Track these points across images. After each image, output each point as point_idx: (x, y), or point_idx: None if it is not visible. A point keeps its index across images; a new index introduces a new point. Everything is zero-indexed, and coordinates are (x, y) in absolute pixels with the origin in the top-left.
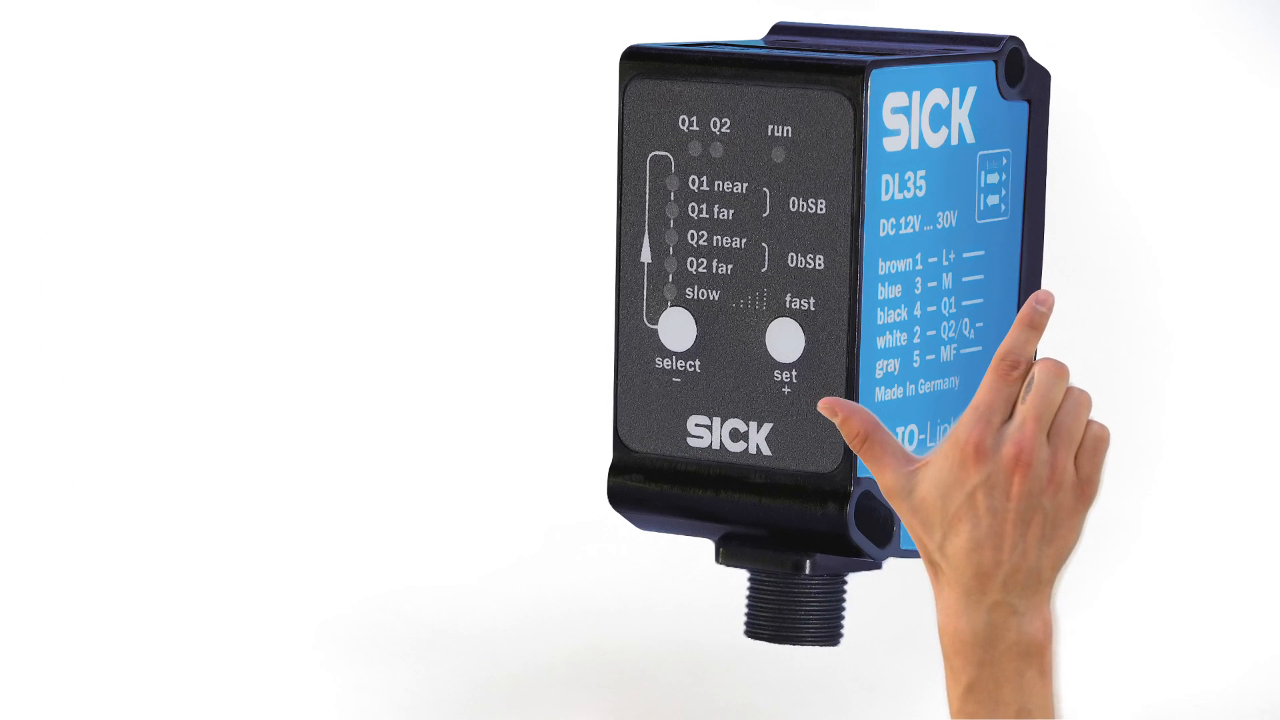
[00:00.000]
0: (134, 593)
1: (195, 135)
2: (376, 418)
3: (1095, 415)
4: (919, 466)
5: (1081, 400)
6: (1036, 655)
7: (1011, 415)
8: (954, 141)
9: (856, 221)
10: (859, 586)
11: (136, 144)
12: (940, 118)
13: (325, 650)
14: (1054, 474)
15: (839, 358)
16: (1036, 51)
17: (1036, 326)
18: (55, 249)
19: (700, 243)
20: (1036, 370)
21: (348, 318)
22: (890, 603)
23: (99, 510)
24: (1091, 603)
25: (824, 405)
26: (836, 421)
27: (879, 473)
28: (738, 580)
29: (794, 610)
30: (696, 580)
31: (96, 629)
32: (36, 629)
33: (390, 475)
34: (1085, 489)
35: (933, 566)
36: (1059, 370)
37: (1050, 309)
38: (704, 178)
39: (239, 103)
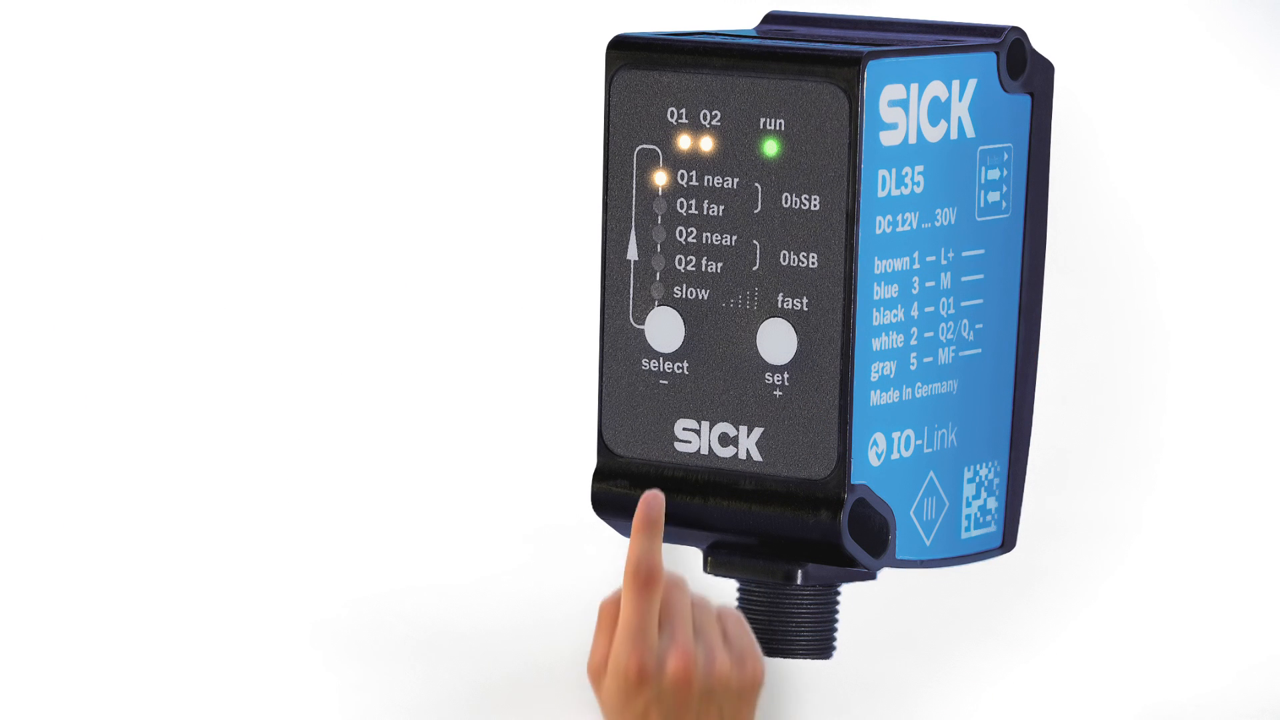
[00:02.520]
0: (134, 593)
1: (182, 126)
2: (371, 420)
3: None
4: (603, 674)
5: (700, 598)
6: None
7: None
8: (953, 136)
9: (852, 218)
10: (856, 586)
11: (130, 144)
12: (939, 111)
13: (325, 650)
14: (714, 667)
15: (833, 360)
16: (1039, 43)
17: (655, 533)
18: (54, 249)
19: (689, 240)
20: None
21: (345, 320)
22: (890, 603)
23: (99, 511)
24: (1092, 603)
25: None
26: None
27: (605, 633)
28: (730, 585)
29: (785, 622)
30: (696, 581)
31: (97, 629)
32: (36, 630)
33: (386, 477)
34: (745, 664)
35: None
36: (678, 578)
37: (662, 510)
38: (693, 172)
39: (229, 98)
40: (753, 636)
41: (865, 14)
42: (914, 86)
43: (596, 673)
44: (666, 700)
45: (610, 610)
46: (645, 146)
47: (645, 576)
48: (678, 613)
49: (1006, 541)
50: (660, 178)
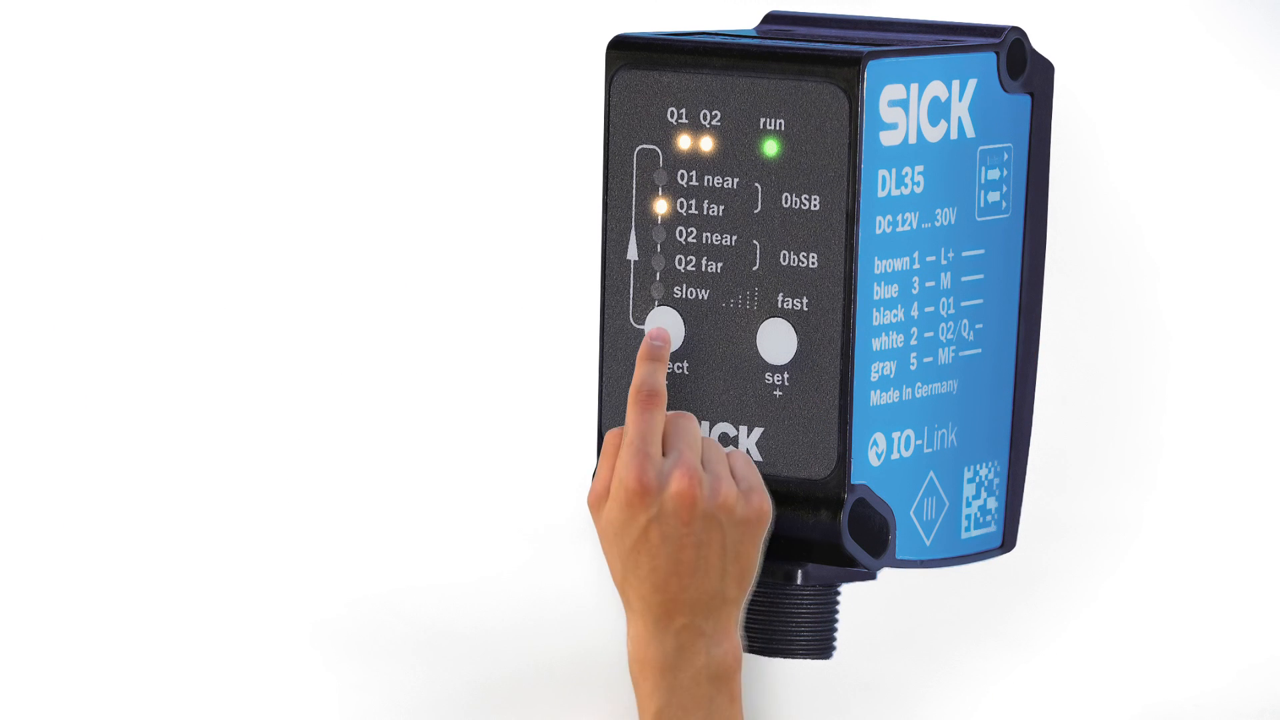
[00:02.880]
0: (135, 593)
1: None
2: (371, 421)
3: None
4: (604, 499)
5: (710, 439)
6: (725, 680)
7: (664, 450)
8: (953, 136)
9: (852, 218)
10: (856, 586)
11: (130, 144)
12: (939, 111)
13: (325, 650)
14: (720, 494)
15: (833, 360)
16: (1039, 43)
17: (659, 359)
18: (54, 249)
19: (689, 240)
20: (669, 418)
21: (345, 320)
22: (890, 603)
23: (98, 511)
24: (1092, 603)
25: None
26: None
27: (608, 460)
28: None
29: (785, 622)
30: None
31: (97, 629)
32: (36, 630)
33: (386, 477)
34: (753, 498)
35: (623, 597)
36: (686, 413)
37: (667, 343)
38: (693, 172)
39: (229, 98)
40: (760, 476)
41: (865, 14)
42: (914, 86)
43: (598, 499)
44: (668, 519)
45: (614, 438)
46: (645, 146)
47: (647, 394)
48: (685, 436)
49: (1006, 541)
50: (660, 177)
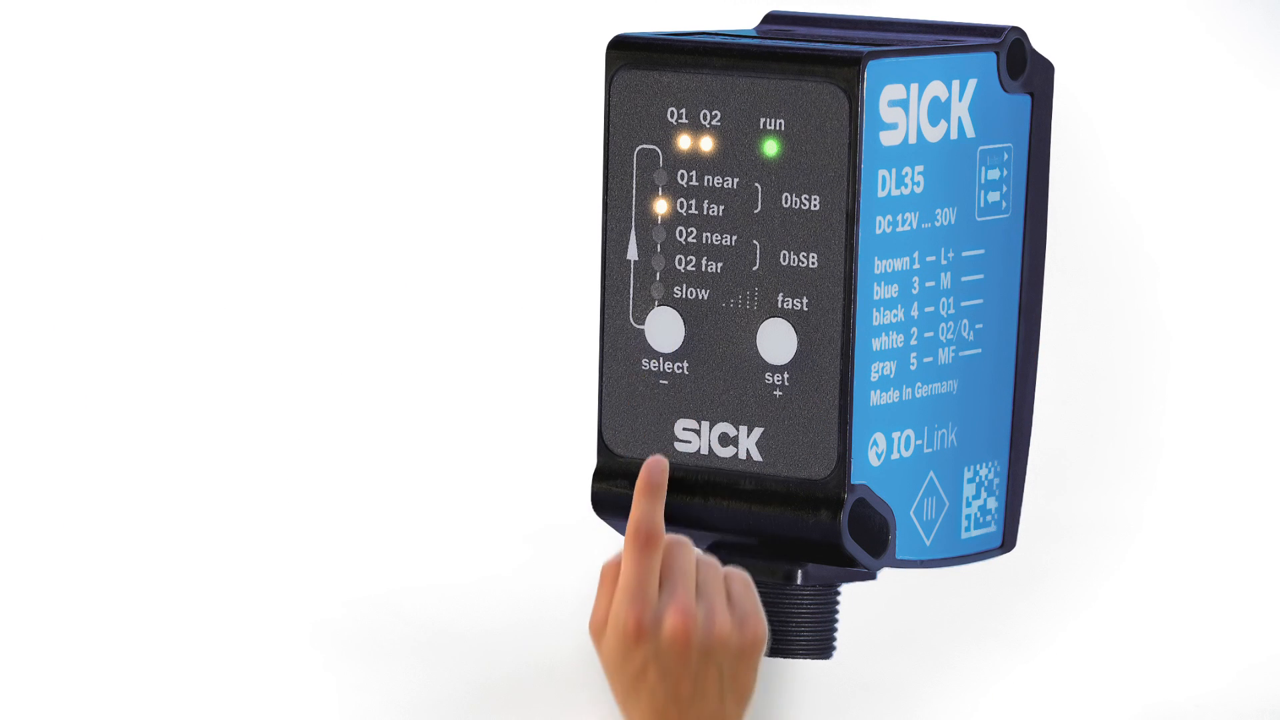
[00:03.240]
0: (134, 593)
1: (181, 126)
2: (371, 421)
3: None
4: (604, 632)
5: (707, 559)
6: None
7: (660, 583)
8: (953, 136)
9: (852, 218)
10: (856, 586)
11: (130, 145)
12: (939, 111)
13: (325, 650)
14: (715, 627)
15: (833, 360)
16: (1039, 43)
17: (657, 495)
18: (53, 249)
19: (689, 240)
20: (665, 548)
21: (345, 320)
22: (890, 603)
23: (98, 511)
24: (1092, 603)
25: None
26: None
27: (606, 591)
28: None
29: (785, 622)
30: None
31: (97, 629)
32: (36, 630)
33: (386, 477)
34: (747, 625)
35: (625, 717)
36: (683, 539)
37: (665, 473)
38: (693, 172)
39: (228, 98)
40: (757, 598)
41: (865, 14)
42: (914, 86)
43: (597, 630)
44: (664, 657)
45: (612, 570)
46: (645, 146)
47: (645, 536)
48: (679, 571)
49: (1006, 541)
50: (660, 177)
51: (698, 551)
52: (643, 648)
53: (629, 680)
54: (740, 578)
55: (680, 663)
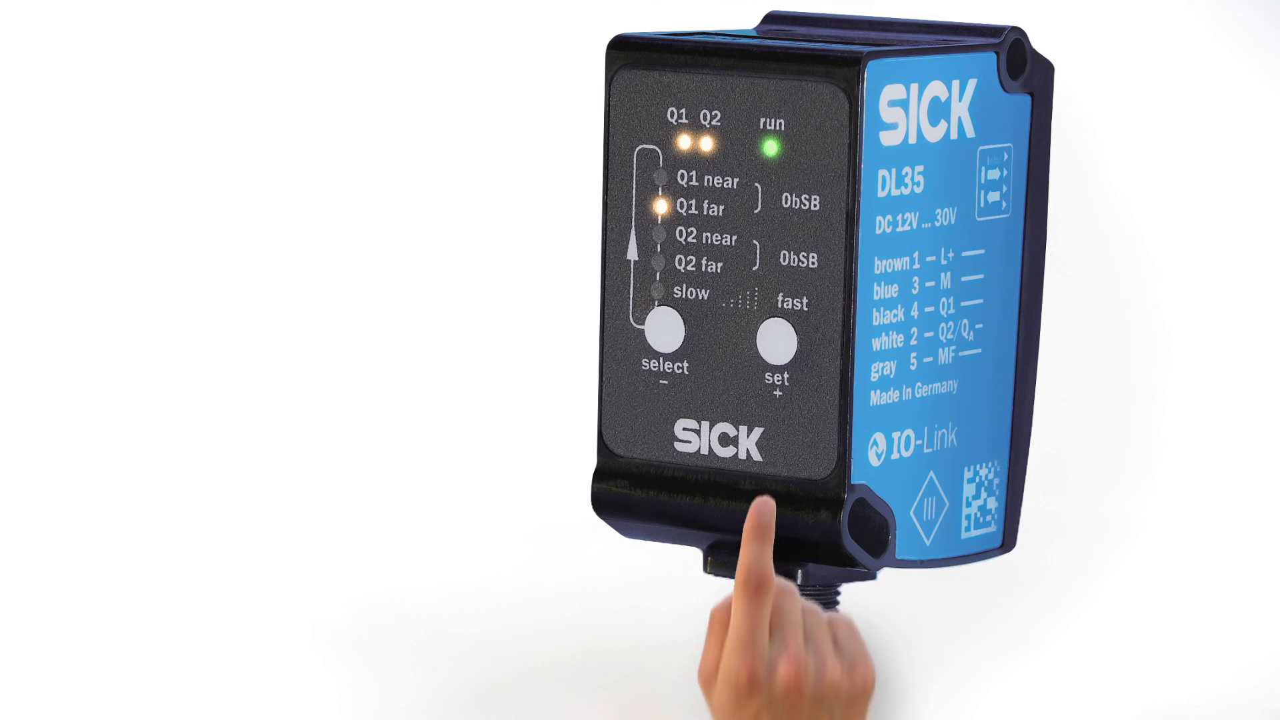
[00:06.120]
0: (135, 593)
1: (182, 127)
2: (372, 421)
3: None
4: (714, 681)
5: (810, 605)
6: None
7: (770, 632)
8: (953, 136)
9: (852, 218)
10: (856, 586)
11: (130, 145)
12: (939, 111)
13: (325, 650)
14: (825, 674)
15: (833, 360)
16: (1039, 43)
17: (766, 539)
18: (53, 249)
19: (689, 240)
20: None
21: (346, 320)
22: (890, 603)
23: (98, 511)
24: (1092, 603)
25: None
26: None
27: (715, 639)
28: (730, 585)
29: None
30: (696, 580)
31: (98, 629)
32: (36, 630)
33: (387, 477)
34: (856, 670)
35: None
36: (788, 585)
37: (773, 516)
38: (693, 172)
39: (229, 98)
40: (864, 642)
41: (865, 14)
42: (914, 86)
43: (708, 679)
44: (778, 707)
45: (721, 617)
46: (645, 146)
47: (756, 583)
48: (788, 619)
49: (1006, 541)
50: (660, 177)
51: (802, 599)
52: (755, 698)
53: None
54: (845, 623)
55: (793, 711)
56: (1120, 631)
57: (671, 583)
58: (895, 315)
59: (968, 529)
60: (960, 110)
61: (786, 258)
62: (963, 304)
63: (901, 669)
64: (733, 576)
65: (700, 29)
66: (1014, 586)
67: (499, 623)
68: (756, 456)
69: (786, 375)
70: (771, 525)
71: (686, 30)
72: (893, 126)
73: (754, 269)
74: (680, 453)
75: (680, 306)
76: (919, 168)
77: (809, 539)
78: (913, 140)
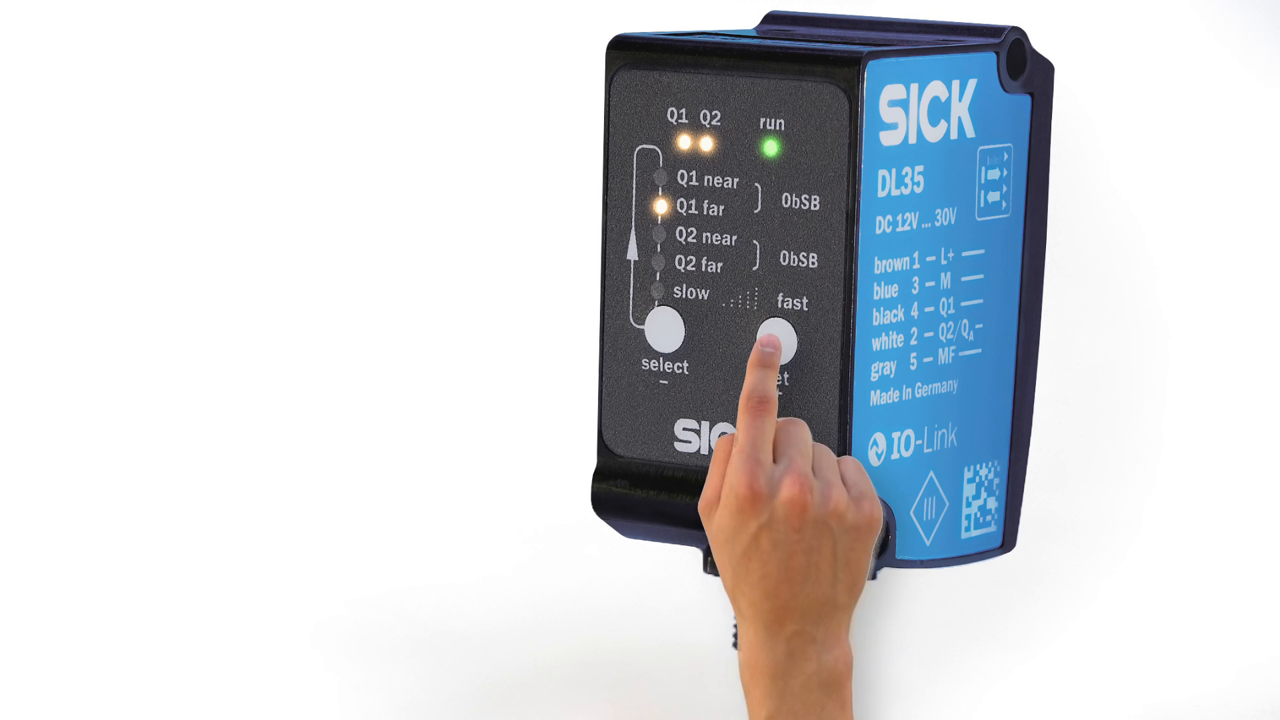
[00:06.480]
0: (135, 593)
1: (182, 127)
2: (371, 421)
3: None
4: (715, 506)
5: (821, 445)
6: (836, 687)
7: (775, 457)
8: (953, 136)
9: (852, 218)
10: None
11: (129, 145)
12: (939, 111)
13: (325, 650)
14: (831, 501)
15: (833, 360)
16: (1039, 43)
17: (770, 365)
18: (53, 249)
19: (689, 240)
20: (780, 424)
21: (345, 320)
22: (890, 603)
23: (98, 511)
24: (1092, 603)
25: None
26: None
27: (719, 466)
28: None
29: None
30: (697, 580)
31: (97, 629)
32: (36, 630)
33: (386, 477)
34: (864, 505)
35: (733, 603)
36: (797, 419)
37: (778, 350)
38: (693, 172)
39: (228, 98)
40: (871, 483)
41: (865, 14)
42: (914, 86)
43: (709, 505)
44: (779, 526)
45: (725, 445)
46: (645, 146)
47: (758, 400)
48: (796, 444)
49: (1006, 541)
50: (660, 177)
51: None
52: (757, 515)
53: (740, 553)
54: (854, 463)
55: (795, 532)
56: (1120, 631)
57: (671, 583)
58: (895, 315)
59: (968, 529)
60: (960, 110)
61: (786, 258)
62: (963, 304)
63: (902, 669)
64: None
65: (700, 29)
66: (1014, 586)
67: (499, 623)
68: None
69: (786, 375)
70: (776, 358)
71: (686, 30)
72: (893, 126)
73: (754, 269)
74: (680, 453)
75: (680, 306)
76: (919, 168)
77: None
78: (913, 140)
